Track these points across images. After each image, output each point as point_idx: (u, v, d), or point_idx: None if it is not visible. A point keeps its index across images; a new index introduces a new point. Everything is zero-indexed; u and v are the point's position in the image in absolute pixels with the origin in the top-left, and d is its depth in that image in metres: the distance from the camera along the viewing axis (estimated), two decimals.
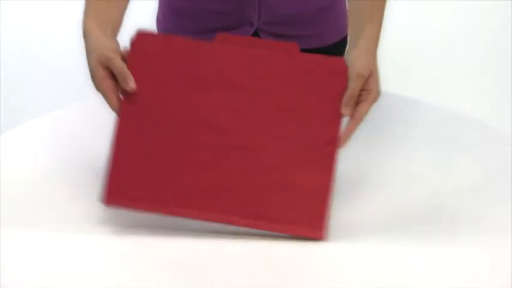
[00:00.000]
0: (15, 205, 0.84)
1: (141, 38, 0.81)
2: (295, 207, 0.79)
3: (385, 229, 0.81)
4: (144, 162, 0.80)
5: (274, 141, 0.80)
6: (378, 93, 0.82)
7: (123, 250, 0.77)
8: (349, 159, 0.88)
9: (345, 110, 0.81)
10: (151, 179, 0.80)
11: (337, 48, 1.15)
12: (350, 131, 0.82)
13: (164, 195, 0.79)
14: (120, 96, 0.81)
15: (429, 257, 0.76)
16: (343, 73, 0.80)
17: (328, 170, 0.79)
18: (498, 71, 2.23)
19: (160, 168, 0.80)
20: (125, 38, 0.86)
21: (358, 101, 0.81)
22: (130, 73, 0.79)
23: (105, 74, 0.79)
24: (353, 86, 0.80)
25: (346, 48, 0.86)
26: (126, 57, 0.81)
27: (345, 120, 0.82)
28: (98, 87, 0.80)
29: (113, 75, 0.80)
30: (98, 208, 0.84)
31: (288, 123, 0.80)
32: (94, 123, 1.01)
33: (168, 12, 1.14)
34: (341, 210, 0.84)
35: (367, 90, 0.81)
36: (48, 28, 2.22)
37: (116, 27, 0.85)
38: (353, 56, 0.82)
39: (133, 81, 0.79)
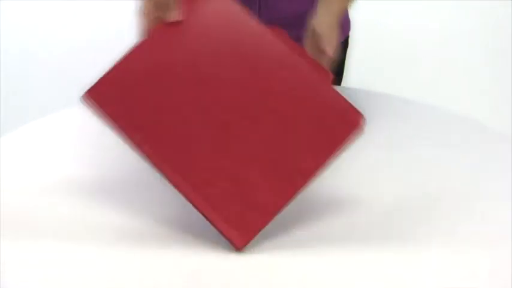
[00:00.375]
0: (15, 207, 0.84)
1: None
2: (239, 209, 0.77)
3: (383, 229, 0.81)
4: (142, 86, 0.80)
5: (259, 142, 0.79)
6: (330, 58, 0.88)
7: (122, 256, 0.78)
8: (348, 159, 0.88)
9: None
10: (136, 103, 0.80)
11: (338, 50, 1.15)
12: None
13: (138, 123, 0.79)
14: None
15: (429, 257, 0.76)
16: (354, 126, 0.80)
17: (287, 197, 0.78)
18: (498, 71, 2.23)
19: (150, 99, 0.80)
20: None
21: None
22: (180, 6, 0.81)
23: (153, 9, 0.82)
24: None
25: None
26: None
27: None
28: (143, 15, 0.83)
29: (160, 12, 0.82)
30: (100, 210, 0.84)
31: (281, 133, 0.80)
32: (96, 124, 1.01)
33: None
34: (339, 210, 0.85)
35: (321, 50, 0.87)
36: (48, 28, 2.22)
37: None
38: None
39: (178, 13, 0.81)
